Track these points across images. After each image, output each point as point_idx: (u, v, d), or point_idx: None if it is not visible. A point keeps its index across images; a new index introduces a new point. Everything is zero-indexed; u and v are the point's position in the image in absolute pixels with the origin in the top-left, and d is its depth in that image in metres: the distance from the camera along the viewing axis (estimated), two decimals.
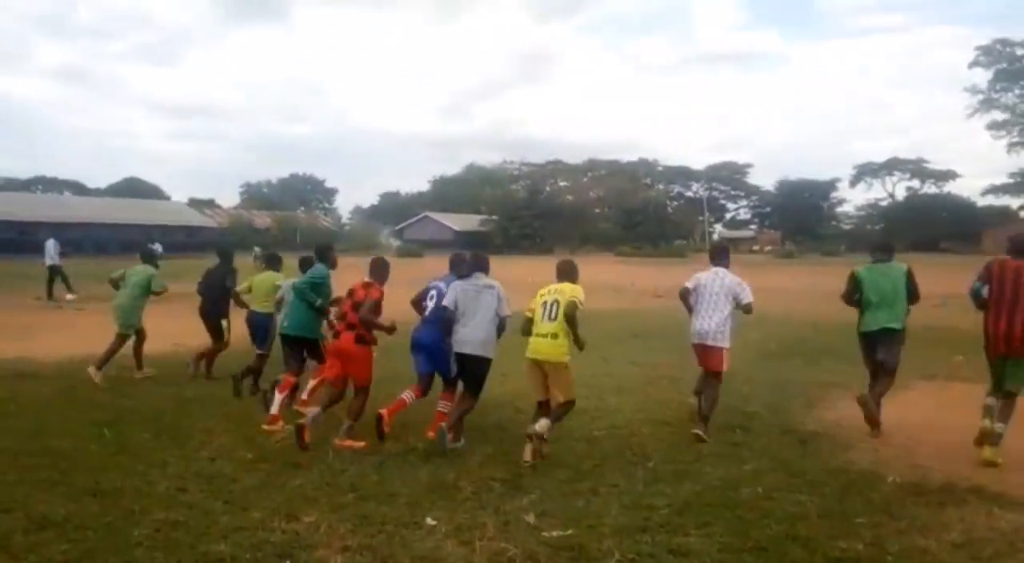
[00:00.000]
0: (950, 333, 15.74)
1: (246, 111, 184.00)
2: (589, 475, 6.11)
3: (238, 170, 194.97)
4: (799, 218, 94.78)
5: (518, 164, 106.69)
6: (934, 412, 8.91)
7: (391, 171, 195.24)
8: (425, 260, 59.74)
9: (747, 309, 7.85)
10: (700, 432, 7.27)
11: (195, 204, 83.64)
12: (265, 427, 7.51)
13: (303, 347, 8.35)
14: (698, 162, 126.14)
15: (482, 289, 7.27)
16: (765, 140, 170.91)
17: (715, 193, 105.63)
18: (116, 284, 10.56)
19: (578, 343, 6.82)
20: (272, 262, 10.31)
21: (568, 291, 6.95)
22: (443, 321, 7.26)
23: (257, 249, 44.62)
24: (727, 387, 9.70)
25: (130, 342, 10.37)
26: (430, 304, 7.66)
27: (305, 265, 8.93)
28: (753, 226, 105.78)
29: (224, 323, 10.43)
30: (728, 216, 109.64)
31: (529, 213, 77.12)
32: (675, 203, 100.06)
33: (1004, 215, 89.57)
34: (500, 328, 7.27)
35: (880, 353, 7.90)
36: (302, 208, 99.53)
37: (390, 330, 7.53)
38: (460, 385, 7.44)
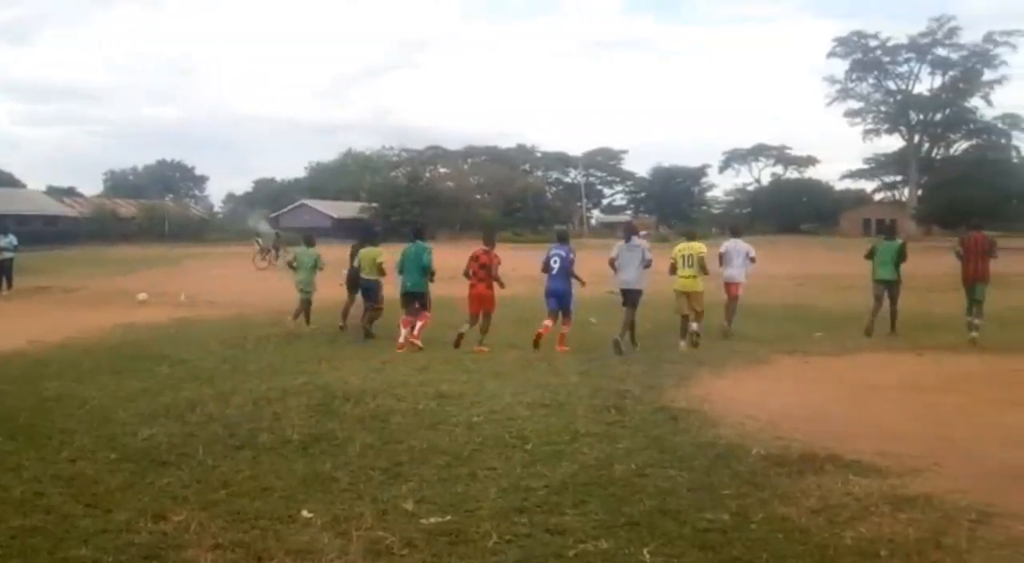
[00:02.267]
0: (810, 311, 16.64)
1: (111, 94, 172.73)
2: (468, 460, 6.13)
3: (101, 157, 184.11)
4: (672, 203, 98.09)
5: (397, 150, 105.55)
6: (795, 385, 9.37)
7: (266, 158, 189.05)
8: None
9: (648, 265, 12.07)
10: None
11: (54, 192, 78.94)
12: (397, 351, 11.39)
13: (416, 299, 12.25)
14: (575, 148, 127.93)
15: (634, 247, 12.04)
16: (639, 127, 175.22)
17: (592, 179, 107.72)
18: None
19: (705, 272, 12.23)
20: (370, 238, 14.92)
21: (697, 248, 12.27)
22: (566, 272, 11.87)
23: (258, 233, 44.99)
24: (603, 370, 9.99)
25: None
26: (555, 266, 11.87)
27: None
28: (629, 211, 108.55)
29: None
30: (605, 202, 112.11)
31: (409, 200, 76.44)
32: (554, 189, 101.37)
33: (859, 198, 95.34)
34: (647, 265, 12.00)
35: (888, 291, 13.37)
36: (170, 196, 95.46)
37: (502, 285, 12.30)
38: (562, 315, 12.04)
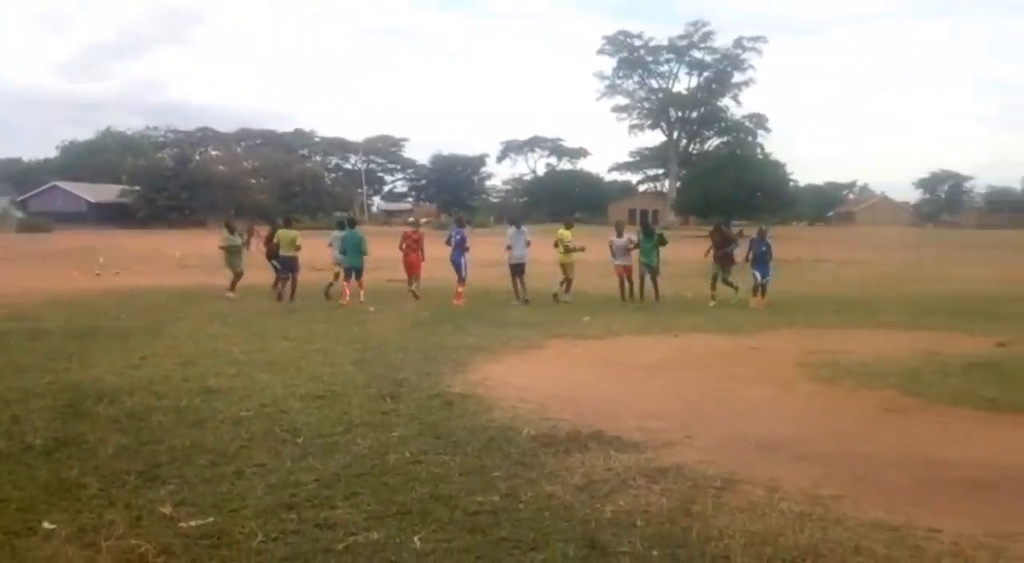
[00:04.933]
0: (579, 296, 17.42)
1: None
2: (234, 458, 5.83)
3: None
4: (452, 191, 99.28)
5: (163, 131, 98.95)
6: (565, 367, 9.78)
7: (10, 135, 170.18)
8: (54, 236, 53.29)
9: (528, 244, 17.02)
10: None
11: None
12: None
13: (355, 271, 16.61)
14: (356, 134, 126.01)
15: (520, 232, 16.96)
16: (420, 115, 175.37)
17: (373, 166, 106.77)
18: None
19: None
20: (287, 223, 18.37)
21: (566, 235, 17.39)
22: (461, 247, 16.66)
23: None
24: (379, 358, 9.92)
25: None
26: (455, 239, 16.88)
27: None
28: (410, 199, 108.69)
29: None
30: (386, 189, 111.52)
31: (177, 183, 71.75)
32: (333, 175, 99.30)
33: (626, 190, 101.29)
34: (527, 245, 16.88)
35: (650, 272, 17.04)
36: None
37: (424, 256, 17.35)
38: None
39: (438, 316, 14.28)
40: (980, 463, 5.89)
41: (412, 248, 17.31)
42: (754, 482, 5.35)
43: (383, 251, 21.18)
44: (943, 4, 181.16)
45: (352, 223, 17.85)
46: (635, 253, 17.15)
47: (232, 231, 18.36)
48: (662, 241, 16.92)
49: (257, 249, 19.76)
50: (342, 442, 6.24)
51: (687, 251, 22.64)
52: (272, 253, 17.71)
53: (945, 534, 4.45)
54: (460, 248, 16.74)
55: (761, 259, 16.55)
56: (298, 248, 17.32)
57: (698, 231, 43.54)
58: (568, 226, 18.14)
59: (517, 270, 16.91)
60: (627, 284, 17.14)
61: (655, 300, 16.73)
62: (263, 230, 21.32)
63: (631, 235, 17.55)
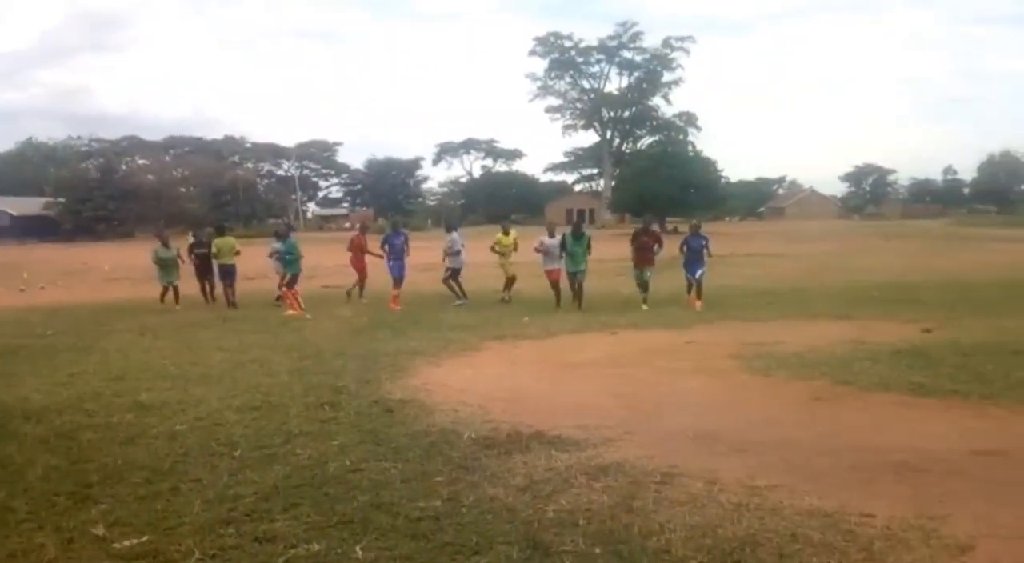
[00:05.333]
0: (518, 297, 17.47)
1: None
2: (169, 474, 5.69)
3: None
4: (388, 195, 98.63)
5: (87, 140, 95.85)
6: (505, 369, 9.80)
7: None
8: None
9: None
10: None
11: None
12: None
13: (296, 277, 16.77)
14: (288, 140, 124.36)
15: (456, 238, 17.19)
16: (353, 119, 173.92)
17: (307, 171, 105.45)
18: None
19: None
20: (221, 230, 19.08)
21: (506, 240, 17.50)
22: (397, 253, 17.04)
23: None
24: (317, 366, 9.80)
25: None
26: (387, 246, 17.24)
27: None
28: (346, 204, 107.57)
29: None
30: (321, 194, 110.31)
31: (103, 194, 69.74)
32: (266, 182, 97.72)
33: (562, 189, 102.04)
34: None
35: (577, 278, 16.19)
36: None
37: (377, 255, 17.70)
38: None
39: (376, 321, 14.17)
40: (910, 447, 6.06)
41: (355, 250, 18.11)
42: (693, 475, 5.43)
43: (318, 258, 20.94)
44: (864, 1, 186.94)
45: (288, 231, 18.17)
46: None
47: (166, 244, 17.76)
48: (589, 247, 16.11)
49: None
50: (281, 453, 6.15)
51: (623, 249, 22.83)
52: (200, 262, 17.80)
53: (878, 518, 4.57)
54: (401, 252, 17.04)
55: (696, 255, 16.00)
56: (237, 253, 17.51)
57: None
58: (506, 231, 17.76)
59: (456, 274, 17.15)
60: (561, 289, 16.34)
61: (579, 308, 15.55)
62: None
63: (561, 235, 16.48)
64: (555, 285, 16.28)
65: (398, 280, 16.93)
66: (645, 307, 15.46)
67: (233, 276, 17.44)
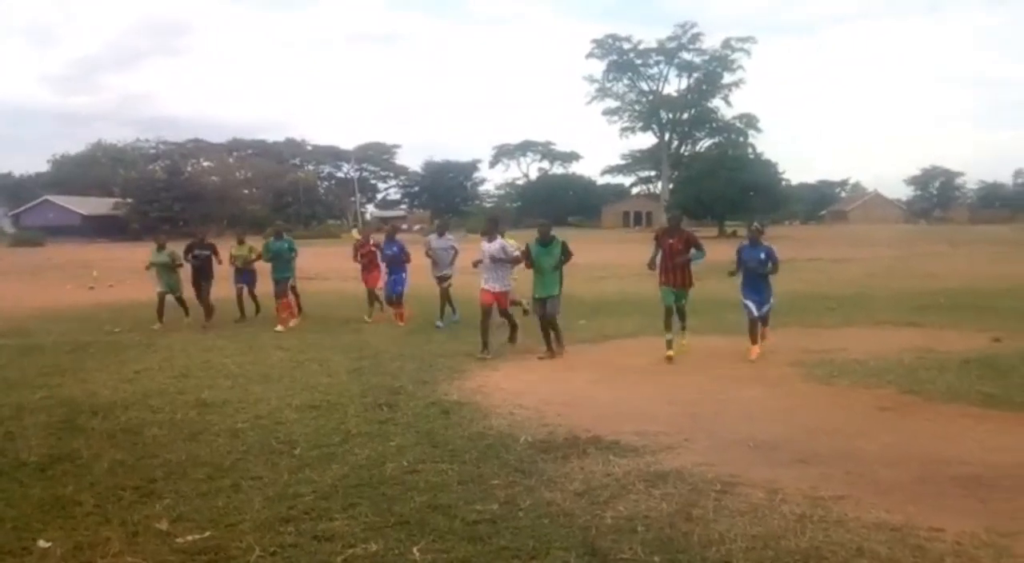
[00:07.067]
0: (569, 299, 17.32)
1: None
2: (231, 471, 5.80)
3: None
4: (445, 197, 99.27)
5: (154, 143, 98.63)
6: (562, 373, 9.73)
7: (0, 149, 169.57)
8: (47, 250, 53.32)
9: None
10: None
11: None
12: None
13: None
14: (347, 142, 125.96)
15: (449, 244, 14.39)
16: (411, 122, 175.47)
17: (365, 173, 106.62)
18: None
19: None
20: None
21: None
22: (394, 261, 14.54)
23: None
24: (375, 367, 9.88)
25: None
26: (381, 254, 14.87)
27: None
28: (403, 206, 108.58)
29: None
30: (379, 196, 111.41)
31: (169, 195, 71.61)
32: (326, 184, 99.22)
33: (619, 192, 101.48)
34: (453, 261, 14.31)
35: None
36: None
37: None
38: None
39: (431, 324, 14.20)
40: (979, 460, 5.87)
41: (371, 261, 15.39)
42: (754, 484, 5.33)
43: None
44: (931, 2, 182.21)
45: (282, 233, 15.51)
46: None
47: (162, 247, 15.26)
48: (566, 253, 10.88)
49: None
50: (339, 453, 6.21)
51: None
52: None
53: (947, 533, 4.43)
54: (399, 263, 14.52)
55: (756, 275, 10.64)
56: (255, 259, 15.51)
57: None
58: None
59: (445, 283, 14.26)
60: (511, 324, 11.67)
61: (559, 352, 10.80)
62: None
63: (509, 242, 11.75)
64: (485, 311, 11.15)
65: (392, 298, 14.62)
66: (670, 352, 10.33)
67: (252, 282, 15.58)
